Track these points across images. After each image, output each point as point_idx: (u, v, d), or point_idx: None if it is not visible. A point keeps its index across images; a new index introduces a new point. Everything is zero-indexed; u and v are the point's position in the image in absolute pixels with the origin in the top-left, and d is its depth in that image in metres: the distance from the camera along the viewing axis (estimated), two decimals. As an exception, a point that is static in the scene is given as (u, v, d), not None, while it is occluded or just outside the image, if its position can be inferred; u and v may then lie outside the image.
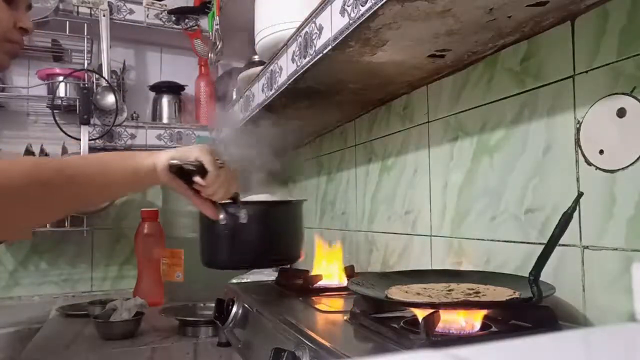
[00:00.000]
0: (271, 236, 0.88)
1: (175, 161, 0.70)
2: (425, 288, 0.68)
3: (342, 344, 0.55)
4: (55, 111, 1.59)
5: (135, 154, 0.70)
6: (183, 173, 0.71)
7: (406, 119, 1.04)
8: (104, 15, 1.63)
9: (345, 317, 0.67)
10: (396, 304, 0.63)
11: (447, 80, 0.91)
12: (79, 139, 1.54)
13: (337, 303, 0.82)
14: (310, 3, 0.82)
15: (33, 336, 1.17)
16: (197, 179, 0.72)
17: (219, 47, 1.58)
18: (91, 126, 1.59)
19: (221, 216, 0.80)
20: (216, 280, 1.19)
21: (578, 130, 0.65)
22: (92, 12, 1.64)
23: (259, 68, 1.20)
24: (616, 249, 0.59)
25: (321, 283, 0.92)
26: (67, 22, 1.62)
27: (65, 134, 1.57)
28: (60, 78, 1.64)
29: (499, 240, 0.78)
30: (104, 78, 1.59)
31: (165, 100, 1.86)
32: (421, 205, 0.99)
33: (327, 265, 0.96)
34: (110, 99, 1.61)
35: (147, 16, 1.75)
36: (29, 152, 1.59)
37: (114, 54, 1.72)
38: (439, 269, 0.88)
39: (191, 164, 0.71)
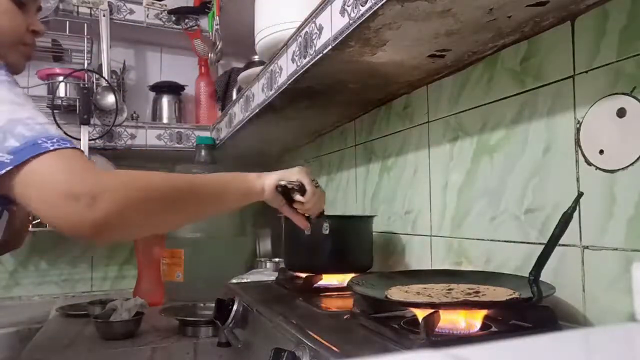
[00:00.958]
0: (348, 246, 0.99)
1: (283, 182, 0.82)
2: (425, 288, 0.68)
3: (342, 344, 0.55)
4: (55, 111, 1.59)
5: (246, 176, 0.80)
6: (286, 192, 0.83)
7: (406, 119, 1.04)
8: (104, 15, 1.62)
9: (345, 317, 0.67)
10: (396, 304, 0.63)
11: (447, 80, 0.91)
12: (79, 139, 1.54)
13: (337, 303, 0.82)
14: (310, 3, 0.82)
15: (33, 336, 1.17)
16: (297, 197, 0.83)
17: (219, 47, 1.58)
18: (91, 126, 1.58)
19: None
20: (216, 280, 1.20)
21: (578, 130, 0.65)
22: (92, 12, 1.64)
23: (259, 68, 1.20)
24: (616, 249, 0.59)
25: (321, 283, 0.92)
26: (67, 22, 1.61)
27: (66, 133, 1.54)
28: (60, 78, 1.63)
29: (499, 240, 0.78)
30: (104, 78, 1.59)
31: (165, 100, 1.85)
32: (421, 205, 0.99)
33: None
34: (110, 99, 1.60)
35: (147, 16, 1.75)
36: (29, 152, 1.59)
37: (114, 54, 1.72)
38: (439, 269, 0.88)
39: (294, 184, 0.82)
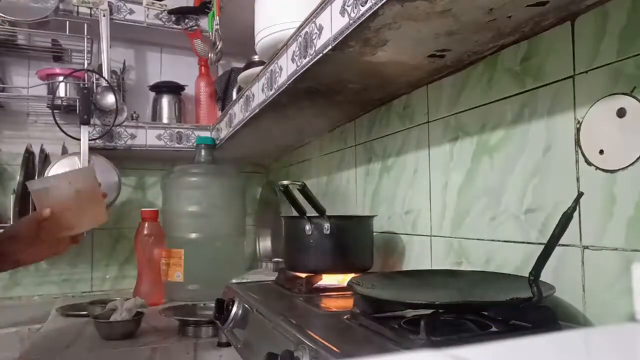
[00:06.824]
0: (348, 246, 0.97)
1: (285, 182, 0.87)
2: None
3: (342, 344, 0.55)
4: (55, 111, 1.59)
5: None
6: (287, 192, 0.89)
7: (406, 119, 1.04)
8: (104, 15, 1.62)
9: (345, 317, 0.67)
10: (396, 304, 0.63)
11: (447, 80, 0.91)
12: (79, 139, 1.54)
13: (337, 303, 0.82)
14: (310, 3, 0.82)
15: (33, 336, 1.17)
16: None
17: (219, 47, 1.58)
18: (91, 126, 1.58)
19: (307, 227, 0.94)
20: (216, 280, 1.20)
21: (578, 130, 0.65)
22: (92, 12, 1.64)
23: (259, 68, 1.20)
24: (616, 249, 0.59)
25: (321, 283, 0.92)
26: (67, 22, 1.61)
27: (65, 134, 1.56)
28: (60, 78, 1.63)
29: (499, 240, 0.78)
30: (104, 78, 1.59)
31: (165, 100, 1.85)
32: (421, 205, 0.99)
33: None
34: (110, 99, 1.60)
35: (147, 16, 1.75)
36: (28, 152, 1.59)
37: (114, 54, 1.72)
38: (439, 269, 0.88)
39: (296, 184, 0.90)
